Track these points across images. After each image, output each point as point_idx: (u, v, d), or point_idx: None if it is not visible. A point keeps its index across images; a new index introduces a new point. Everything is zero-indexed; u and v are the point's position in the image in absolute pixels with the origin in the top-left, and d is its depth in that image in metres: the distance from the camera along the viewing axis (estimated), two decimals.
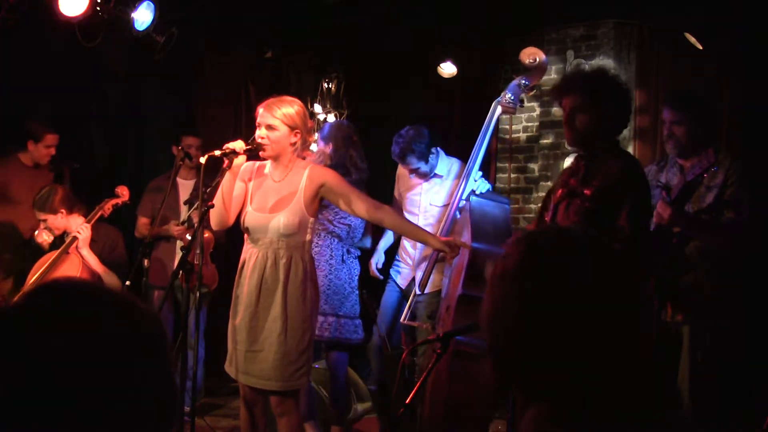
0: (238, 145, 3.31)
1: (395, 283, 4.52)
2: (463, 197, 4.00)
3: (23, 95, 5.30)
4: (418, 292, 4.24)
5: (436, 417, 3.55)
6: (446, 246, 3.41)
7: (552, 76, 5.64)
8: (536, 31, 5.76)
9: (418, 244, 4.33)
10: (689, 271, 3.53)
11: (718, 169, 3.46)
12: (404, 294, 4.44)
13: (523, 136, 6.00)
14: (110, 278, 4.27)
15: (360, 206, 3.42)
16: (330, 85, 6.43)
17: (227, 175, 3.32)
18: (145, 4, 4.65)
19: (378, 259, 4.68)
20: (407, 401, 2.26)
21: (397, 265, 4.57)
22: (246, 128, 5.17)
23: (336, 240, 4.35)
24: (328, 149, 4.41)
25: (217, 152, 3.33)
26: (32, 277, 4.19)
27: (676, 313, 3.55)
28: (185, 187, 5.13)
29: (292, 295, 3.30)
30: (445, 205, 4.27)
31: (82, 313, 0.95)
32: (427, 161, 4.40)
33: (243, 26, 5.73)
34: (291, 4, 5.39)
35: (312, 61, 6.49)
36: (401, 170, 4.59)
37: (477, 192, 4.01)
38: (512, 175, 6.01)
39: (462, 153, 4.46)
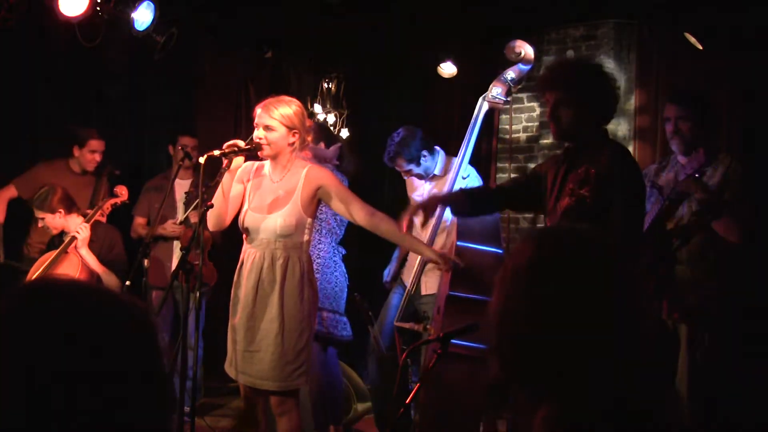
0: (239, 143, 3.32)
1: (403, 284, 4.51)
2: None
3: (23, 95, 5.29)
4: (412, 293, 4.24)
5: (427, 418, 3.54)
6: (440, 258, 3.39)
7: None
8: (536, 31, 5.76)
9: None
10: (686, 270, 3.54)
11: (709, 170, 3.45)
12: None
13: (523, 136, 6.00)
14: (109, 278, 4.27)
15: (358, 212, 3.40)
16: (330, 85, 6.44)
17: (226, 176, 3.32)
18: (145, 4, 4.64)
19: (391, 269, 4.68)
20: (407, 401, 2.26)
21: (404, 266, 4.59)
22: (246, 128, 5.16)
23: (334, 237, 4.38)
24: (334, 152, 4.42)
25: (217, 152, 3.33)
26: (31, 277, 4.19)
27: (672, 311, 3.55)
28: (182, 186, 5.13)
29: (289, 296, 3.29)
30: None
31: (70, 313, 0.95)
32: (418, 163, 4.39)
33: (243, 26, 5.73)
34: (291, 4, 5.38)
35: (312, 61, 6.49)
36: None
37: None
38: (512, 175, 6.01)
39: None
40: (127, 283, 4.01)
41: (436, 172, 4.45)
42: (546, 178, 3.21)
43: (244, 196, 3.45)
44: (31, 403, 0.89)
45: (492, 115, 5.30)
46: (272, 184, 3.42)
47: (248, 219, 3.40)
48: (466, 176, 4.05)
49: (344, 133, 6.47)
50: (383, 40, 5.96)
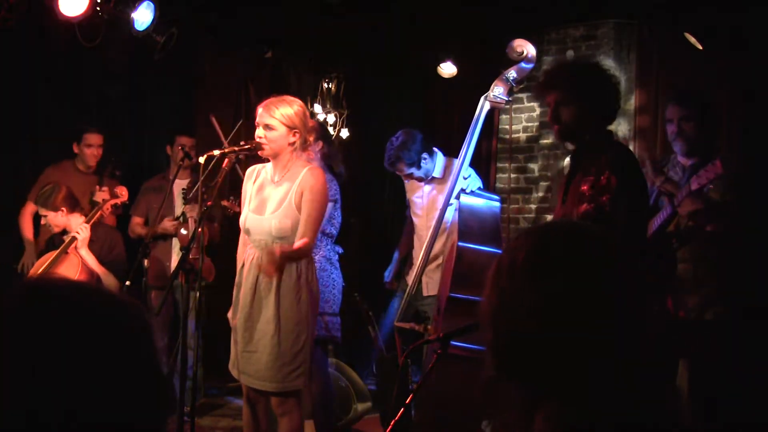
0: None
1: (406, 286, 4.51)
2: (453, 196, 3.98)
3: (23, 95, 5.29)
4: (412, 294, 4.25)
5: (426, 420, 3.54)
6: None
7: None
8: (536, 31, 5.76)
9: (423, 247, 4.33)
10: (689, 269, 3.54)
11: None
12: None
13: (523, 136, 6.00)
14: (109, 279, 4.27)
15: (300, 228, 3.31)
16: (330, 85, 6.44)
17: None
18: (145, 4, 4.64)
19: (391, 269, 4.69)
20: (407, 401, 2.26)
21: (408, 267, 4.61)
22: (246, 128, 5.16)
23: (330, 239, 4.39)
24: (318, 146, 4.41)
25: (217, 152, 3.33)
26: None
27: (677, 310, 3.55)
28: (178, 186, 5.13)
29: (285, 297, 3.28)
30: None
31: (66, 314, 0.95)
32: (419, 167, 4.39)
33: (243, 26, 5.73)
34: (291, 4, 5.38)
35: (312, 61, 6.49)
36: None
37: (467, 191, 3.96)
38: (512, 175, 6.01)
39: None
40: (127, 283, 4.00)
41: (436, 174, 4.44)
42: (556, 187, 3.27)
43: (246, 197, 3.46)
44: (30, 403, 0.89)
45: (492, 115, 5.30)
46: (272, 184, 3.41)
47: (248, 220, 3.40)
48: (467, 176, 4.05)
49: (344, 133, 6.47)
50: (383, 40, 5.96)
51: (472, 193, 3.93)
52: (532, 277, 1.16)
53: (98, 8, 4.51)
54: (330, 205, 4.33)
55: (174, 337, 4.84)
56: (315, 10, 5.41)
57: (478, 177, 4.28)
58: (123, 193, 4.63)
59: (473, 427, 3.48)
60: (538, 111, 5.85)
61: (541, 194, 5.88)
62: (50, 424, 0.89)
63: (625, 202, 2.93)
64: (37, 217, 4.77)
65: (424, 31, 5.69)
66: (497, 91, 3.79)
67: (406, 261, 4.73)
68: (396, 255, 4.74)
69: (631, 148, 5.24)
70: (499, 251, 3.51)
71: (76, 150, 5.04)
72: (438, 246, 4.25)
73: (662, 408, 1.18)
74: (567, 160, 5.34)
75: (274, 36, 6.04)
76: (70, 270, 4.17)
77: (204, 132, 5.56)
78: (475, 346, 3.05)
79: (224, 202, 4.86)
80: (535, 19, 5.59)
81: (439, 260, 4.33)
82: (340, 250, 4.48)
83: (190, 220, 4.79)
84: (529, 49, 3.77)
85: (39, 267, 4.22)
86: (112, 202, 4.56)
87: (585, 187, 2.94)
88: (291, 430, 3.36)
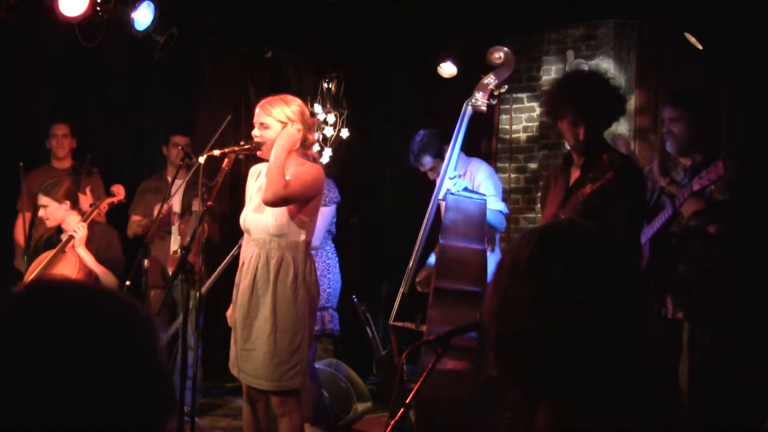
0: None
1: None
2: (440, 197, 4.00)
3: (23, 95, 5.29)
4: (405, 294, 4.25)
5: (426, 419, 3.54)
6: None
7: (552, 76, 5.64)
8: (536, 31, 5.76)
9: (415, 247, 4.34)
10: (689, 269, 3.54)
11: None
12: None
13: (523, 136, 6.00)
14: (107, 278, 4.25)
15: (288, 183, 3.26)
16: (330, 85, 6.43)
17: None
18: (145, 4, 4.64)
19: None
20: (407, 401, 2.25)
21: None
22: (246, 128, 5.16)
23: (330, 236, 4.43)
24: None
25: (217, 152, 3.33)
26: (29, 276, 4.17)
27: (676, 311, 3.55)
28: (177, 186, 5.13)
29: (281, 296, 3.28)
30: None
31: (71, 313, 0.95)
32: (443, 157, 4.40)
33: (243, 26, 5.72)
34: (291, 4, 5.38)
35: (312, 61, 6.48)
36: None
37: (454, 191, 3.99)
38: (512, 175, 6.01)
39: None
40: (127, 283, 4.00)
41: (457, 170, 4.43)
42: (549, 187, 3.31)
43: (247, 197, 3.46)
44: (31, 403, 0.89)
45: (490, 115, 5.31)
46: None
47: (247, 219, 3.41)
48: (452, 177, 4.08)
49: (344, 133, 6.47)
50: (383, 40, 5.96)
51: (458, 193, 3.97)
52: (533, 275, 1.17)
53: (98, 8, 4.51)
54: (332, 207, 4.37)
55: (172, 336, 4.83)
56: (315, 10, 5.41)
57: (461, 178, 4.28)
58: (120, 191, 4.60)
59: (473, 425, 3.48)
60: (537, 111, 5.85)
61: (541, 194, 5.88)
62: (52, 425, 0.89)
63: (626, 205, 2.98)
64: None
65: (424, 31, 5.69)
66: (478, 95, 3.92)
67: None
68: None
69: (631, 148, 5.26)
70: (481, 246, 3.52)
71: (47, 145, 5.02)
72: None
73: (662, 408, 1.18)
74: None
75: (274, 36, 6.04)
76: (67, 269, 4.15)
77: (204, 132, 5.56)
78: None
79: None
80: (535, 19, 5.59)
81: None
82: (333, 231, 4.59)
83: (194, 213, 4.77)
84: (505, 55, 3.92)
85: (36, 266, 4.19)
86: (110, 200, 4.54)
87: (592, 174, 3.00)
88: (291, 430, 3.36)
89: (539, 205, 5.88)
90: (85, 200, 4.62)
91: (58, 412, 0.89)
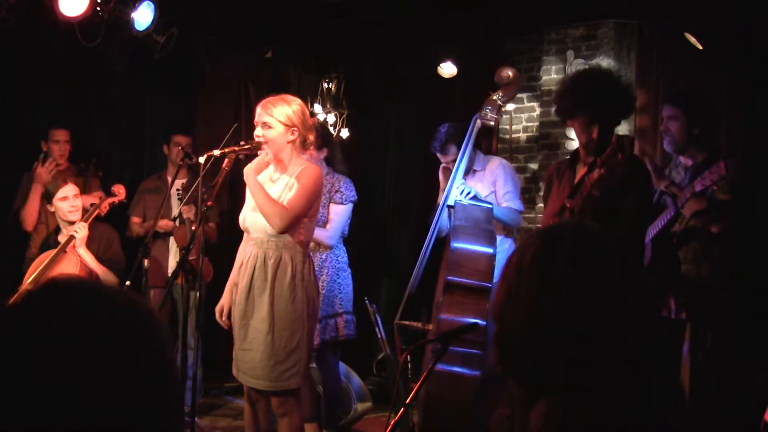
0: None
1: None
2: (449, 203, 4.04)
3: (23, 95, 5.29)
4: (412, 292, 4.26)
5: (428, 418, 3.55)
6: None
7: (552, 76, 5.65)
8: (536, 31, 5.76)
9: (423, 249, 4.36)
10: (692, 269, 3.54)
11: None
12: None
13: (523, 136, 6.00)
14: (108, 277, 4.26)
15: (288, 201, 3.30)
16: (330, 85, 6.43)
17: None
18: (145, 4, 4.64)
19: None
20: (407, 401, 2.26)
21: None
22: (246, 128, 5.16)
23: (342, 240, 4.43)
24: (323, 154, 4.40)
25: (217, 152, 3.33)
26: (29, 276, 4.17)
27: (679, 311, 3.55)
28: (177, 186, 5.14)
29: (279, 296, 3.28)
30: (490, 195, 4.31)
31: (87, 312, 0.95)
32: (465, 150, 4.42)
33: (243, 26, 5.73)
34: (291, 4, 5.38)
35: (312, 61, 6.49)
36: (440, 176, 4.58)
37: (461, 200, 4.04)
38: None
39: None
40: (128, 283, 4.00)
41: (477, 167, 4.43)
42: (552, 183, 3.33)
43: (247, 197, 3.47)
44: (35, 403, 0.89)
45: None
46: (271, 183, 3.42)
47: (246, 219, 3.42)
48: (459, 186, 4.10)
49: (344, 133, 6.47)
50: (383, 40, 5.96)
51: (466, 202, 4.02)
52: (536, 272, 1.19)
53: (98, 8, 4.51)
54: (349, 206, 4.36)
55: (173, 336, 4.84)
56: (315, 10, 5.41)
57: (467, 187, 4.29)
58: (121, 192, 4.61)
59: (474, 425, 3.49)
60: (538, 111, 5.85)
61: (541, 194, 5.88)
62: (54, 422, 0.89)
63: (635, 209, 3.00)
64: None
65: (425, 31, 5.69)
66: (488, 110, 4.07)
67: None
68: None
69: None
70: (492, 249, 3.58)
71: (44, 148, 5.01)
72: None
73: (662, 408, 1.18)
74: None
75: (274, 36, 6.04)
76: (68, 269, 4.16)
77: (204, 132, 5.56)
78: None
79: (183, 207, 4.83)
80: (535, 19, 5.59)
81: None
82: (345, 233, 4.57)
83: (186, 221, 4.79)
84: (513, 75, 4.10)
85: (37, 266, 4.20)
86: (110, 200, 4.55)
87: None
88: (291, 430, 3.36)
89: (542, 204, 5.90)
90: (91, 201, 4.64)
91: (63, 410, 0.89)
